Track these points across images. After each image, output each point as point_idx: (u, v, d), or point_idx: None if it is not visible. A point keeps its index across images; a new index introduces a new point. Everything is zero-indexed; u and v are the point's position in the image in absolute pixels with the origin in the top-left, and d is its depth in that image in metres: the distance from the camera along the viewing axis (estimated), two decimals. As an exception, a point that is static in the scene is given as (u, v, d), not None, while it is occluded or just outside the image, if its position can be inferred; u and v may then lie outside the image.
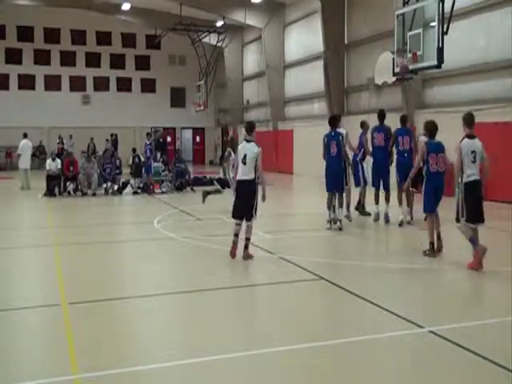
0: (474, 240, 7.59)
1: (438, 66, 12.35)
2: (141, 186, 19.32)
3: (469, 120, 7.88)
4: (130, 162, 20.76)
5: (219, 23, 31.17)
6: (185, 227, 12.11)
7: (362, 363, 4.82)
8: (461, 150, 7.66)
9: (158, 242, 10.39)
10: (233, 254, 8.59)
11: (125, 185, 19.49)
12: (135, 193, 18.99)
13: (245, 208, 8.53)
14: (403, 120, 12.01)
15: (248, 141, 8.65)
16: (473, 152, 7.66)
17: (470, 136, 7.78)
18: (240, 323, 5.95)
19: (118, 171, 19.56)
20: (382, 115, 12.24)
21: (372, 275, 7.82)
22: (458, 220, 7.76)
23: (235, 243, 8.59)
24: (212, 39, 32.41)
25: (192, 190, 19.57)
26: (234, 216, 8.69)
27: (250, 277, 8.15)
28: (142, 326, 5.80)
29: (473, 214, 7.64)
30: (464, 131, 7.91)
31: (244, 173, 8.51)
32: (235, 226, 8.67)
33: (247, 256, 8.56)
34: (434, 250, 8.62)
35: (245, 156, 8.48)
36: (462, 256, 9.06)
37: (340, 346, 5.11)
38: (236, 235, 8.59)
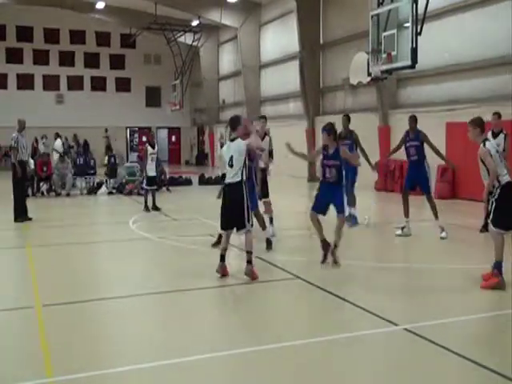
0: (500, 265, 6.83)
1: (412, 67, 12.47)
2: (116, 186, 19.16)
3: (482, 124, 7.22)
4: (106, 161, 20.59)
5: (195, 22, 31.06)
6: (160, 227, 12.04)
7: (337, 361, 4.84)
8: (490, 153, 6.88)
9: (134, 242, 10.32)
10: (221, 273, 7.41)
11: (99, 185, 19.32)
12: (110, 193, 18.83)
13: (234, 216, 7.32)
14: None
15: (232, 140, 7.47)
16: (498, 152, 7.02)
17: (487, 139, 7.18)
18: (216, 323, 5.93)
19: (92, 171, 19.40)
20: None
21: (348, 274, 7.86)
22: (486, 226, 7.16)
23: (222, 260, 7.41)
24: (187, 38, 32.29)
25: (168, 190, 19.47)
26: (223, 227, 7.47)
27: (226, 277, 8.12)
28: (117, 328, 5.76)
29: (506, 219, 6.84)
30: (478, 137, 7.12)
31: (230, 175, 7.35)
32: (224, 239, 7.54)
33: (251, 273, 7.28)
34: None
35: (231, 158, 7.33)
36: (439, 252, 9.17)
37: (316, 344, 5.12)
38: (224, 250, 7.43)
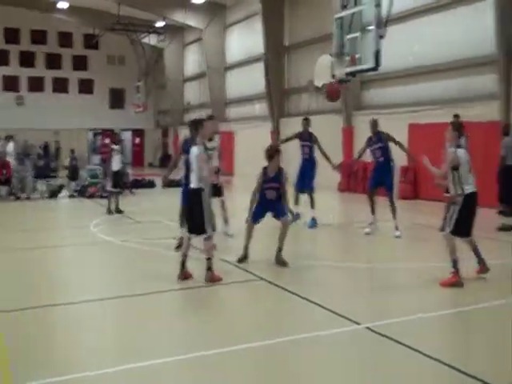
0: (456, 263, 6.94)
1: (376, 69, 12.55)
2: (78, 189, 18.79)
3: (461, 129, 7.32)
4: (67, 163, 20.19)
5: (159, 23, 30.83)
6: (123, 230, 11.86)
7: (299, 362, 4.81)
8: (459, 160, 6.95)
9: (95, 246, 10.12)
10: (182, 277, 7.29)
11: (61, 188, 18.94)
12: (71, 196, 18.47)
13: (194, 220, 7.25)
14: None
15: (195, 144, 7.38)
16: (468, 162, 7.03)
17: (460, 146, 7.20)
18: (176, 326, 5.84)
19: (53, 174, 19.03)
20: None
21: (311, 274, 7.86)
22: (443, 229, 7.24)
23: (183, 266, 7.32)
24: (152, 39, 32.06)
25: (131, 192, 19.22)
26: (190, 230, 7.36)
27: (190, 279, 8.02)
28: (76, 334, 5.61)
29: (464, 227, 6.99)
30: (454, 140, 7.16)
31: (191, 180, 7.35)
32: (185, 244, 7.45)
33: (211, 279, 7.17)
34: None
35: (191, 163, 7.39)
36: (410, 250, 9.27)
37: (278, 345, 5.08)
38: (185, 256, 7.34)
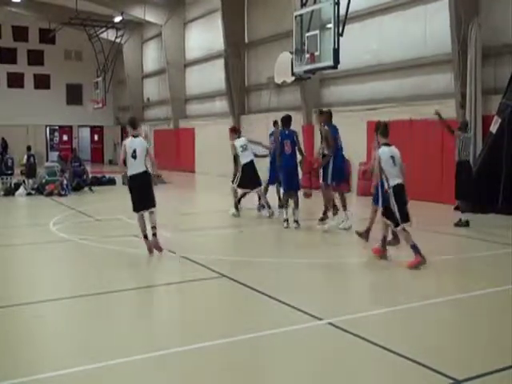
0: (415, 247, 7.69)
1: (334, 67, 12.70)
2: (35, 186, 18.42)
3: (385, 131, 8.12)
4: (24, 161, 19.73)
5: (117, 19, 30.39)
6: (83, 228, 11.69)
7: (261, 359, 4.85)
8: (380, 158, 7.89)
9: (54, 244, 9.95)
10: (150, 250, 8.67)
11: (17, 186, 18.52)
12: (29, 194, 18.08)
13: (145, 198, 8.71)
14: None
15: (135, 136, 8.79)
16: (391, 157, 7.90)
17: (387, 144, 8.03)
18: (140, 325, 5.79)
19: (9, 171, 18.58)
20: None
21: (272, 271, 7.91)
22: (397, 225, 7.88)
23: (146, 237, 8.74)
24: (110, 35, 31.55)
25: (90, 190, 18.95)
26: (137, 209, 8.76)
27: (151, 277, 7.99)
28: (37, 333, 5.52)
29: (402, 214, 7.84)
30: (379, 140, 8.17)
31: (136, 167, 8.63)
32: (140, 221, 8.77)
33: (157, 245, 8.63)
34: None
35: (134, 151, 8.58)
36: (357, 248, 9.41)
37: (240, 342, 5.11)
38: (144, 231, 8.76)
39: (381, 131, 8.16)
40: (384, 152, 7.94)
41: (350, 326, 5.40)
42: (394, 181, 7.87)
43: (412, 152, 15.34)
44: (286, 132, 11.29)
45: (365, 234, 9.20)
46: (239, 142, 12.76)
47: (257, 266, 8.11)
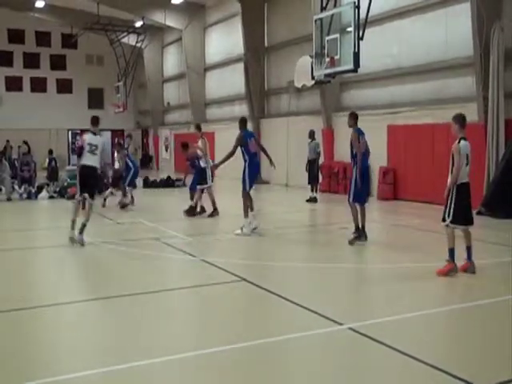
0: (452, 251, 7.48)
1: (355, 71, 12.69)
2: (57, 190, 18.64)
3: (464, 123, 7.65)
4: (46, 164, 20.01)
5: (138, 23, 30.68)
6: (104, 231, 11.79)
7: (282, 363, 4.85)
8: (460, 152, 7.43)
9: (76, 247, 10.05)
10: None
11: (40, 189, 18.76)
12: (51, 197, 18.31)
13: (91, 184, 9.98)
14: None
15: (95, 133, 9.94)
16: (467, 155, 7.54)
17: (465, 138, 7.57)
18: (160, 327, 5.83)
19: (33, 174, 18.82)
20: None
21: (292, 275, 7.91)
22: (444, 220, 7.59)
23: (73, 228, 9.87)
24: (131, 39, 31.86)
25: (112, 193, 19.10)
26: (82, 191, 9.92)
27: (171, 281, 8.03)
28: (58, 335, 5.59)
29: (462, 216, 7.52)
30: (459, 133, 7.59)
31: (90, 160, 9.78)
32: (76, 206, 10.14)
33: (82, 241, 9.73)
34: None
35: (96, 147, 9.78)
36: (378, 253, 9.36)
37: (259, 346, 5.11)
38: (73, 221, 9.86)
39: (461, 124, 7.63)
40: (465, 146, 7.48)
41: (371, 331, 5.37)
42: (462, 179, 7.48)
43: (432, 156, 15.26)
44: (249, 132, 12.01)
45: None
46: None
47: (275, 270, 8.11)
